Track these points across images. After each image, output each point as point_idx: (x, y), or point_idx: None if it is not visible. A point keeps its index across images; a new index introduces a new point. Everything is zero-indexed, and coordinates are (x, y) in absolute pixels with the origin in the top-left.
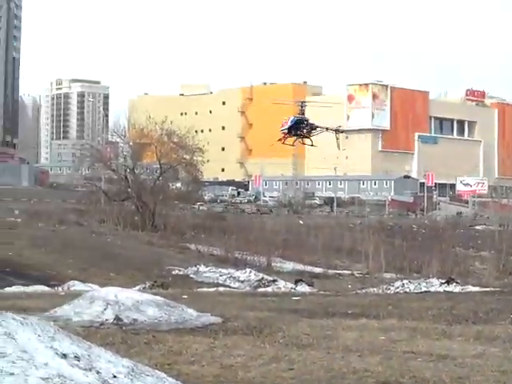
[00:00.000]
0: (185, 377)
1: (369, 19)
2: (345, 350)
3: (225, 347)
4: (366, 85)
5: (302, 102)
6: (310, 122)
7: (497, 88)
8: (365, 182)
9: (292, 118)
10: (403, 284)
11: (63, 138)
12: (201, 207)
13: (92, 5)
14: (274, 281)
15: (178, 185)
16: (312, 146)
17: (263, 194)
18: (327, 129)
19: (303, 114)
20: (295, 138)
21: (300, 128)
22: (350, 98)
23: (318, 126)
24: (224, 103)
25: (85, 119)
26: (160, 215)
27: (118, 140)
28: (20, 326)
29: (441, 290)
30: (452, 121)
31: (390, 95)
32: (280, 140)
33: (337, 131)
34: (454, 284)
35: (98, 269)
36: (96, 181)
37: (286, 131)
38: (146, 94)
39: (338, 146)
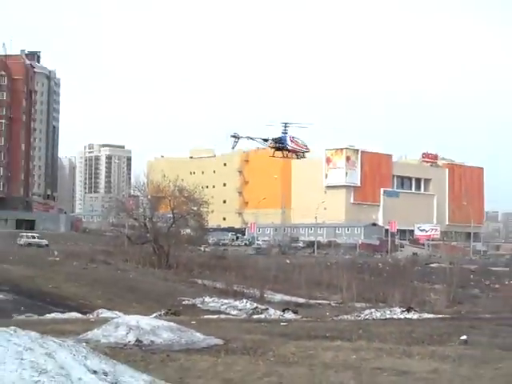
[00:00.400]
0: None
1: (342, 98)
2: (324, 366)
3: (226, 364)
4: (341, 149)
5: (286, 124)
6: (287, 140)
7: (448, 151)
8: (340, 229)
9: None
10: (371, 312)
11: (94, 192)
12: (206, 249)
13: (116, 85)
14: (266, 309)
15: (188, 231)
16: (296, 158)
17: (257, 238)
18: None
19: (285, 133)
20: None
21: (278, 143)
22: (328, 160)
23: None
24: (225, 164)
25: (111, 177)
26: (173, 256)
27: (139, 194)
28: (58, 347)
29: (402, 316)
30: (411, 178)
31: (360, 158)
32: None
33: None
34: (413, 312)
35: (122, 299)
36: (121, 227)
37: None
38: (161, 156)
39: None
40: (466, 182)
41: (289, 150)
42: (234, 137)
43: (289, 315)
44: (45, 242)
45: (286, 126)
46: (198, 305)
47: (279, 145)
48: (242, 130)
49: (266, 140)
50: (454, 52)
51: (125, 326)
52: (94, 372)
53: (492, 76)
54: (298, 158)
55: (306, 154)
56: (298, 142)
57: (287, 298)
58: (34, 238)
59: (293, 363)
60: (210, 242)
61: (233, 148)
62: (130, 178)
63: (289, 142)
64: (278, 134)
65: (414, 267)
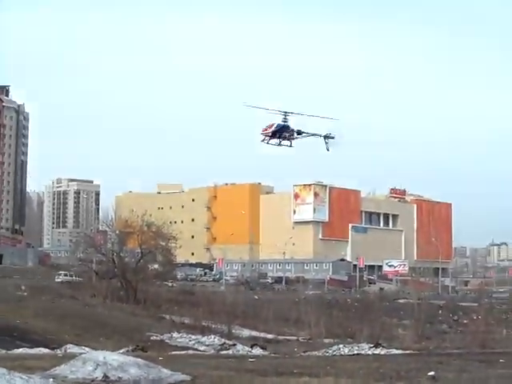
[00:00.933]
0: None
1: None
2: None
3: None
4: (309, 185)
5: (286, 113)
6: (293, 128)
7: (415, 186)
8: (308, 264)
9: (277, 123)
10: (339, 348)
11: (62, 226)
12: (173, 284)
13: (85, 120)
14: (234, 345)
15: (156, 266)
16: (290, 146)
17: (225, 273)
18: (313, 134)
19: (286, 121)
20: (278, 140)
21: (283, 132)
22: (296, 196)
23: (303, 132)
24: (193, 200)
25: (80, 212)
26: (141, 291)
27: (107, 229)
28: (25, 383)
29: (370, 352)
30: (379, 214)
31: (328, 193)
32: (263, 140)
33: (325, 137)
34: (381, 348)
35: (90, 334)
36: (89, 262)
37: (270, 134)
38: (130, 191)
39: (328, 149)
40: (434, 217)
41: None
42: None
43: (257, 351)
44: (80, 280)
45: (286, 115)
46: (166, 340)
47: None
48: (208, 169)
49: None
50: (420, 89)
51: (92, 361)
52: None
53: (458, 113)
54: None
55: (275, 189)
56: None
57: (255, 333)
58: (71, 276)
59: None
60: (178, 277)
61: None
62: (98, 213)
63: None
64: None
65: (383, 303)
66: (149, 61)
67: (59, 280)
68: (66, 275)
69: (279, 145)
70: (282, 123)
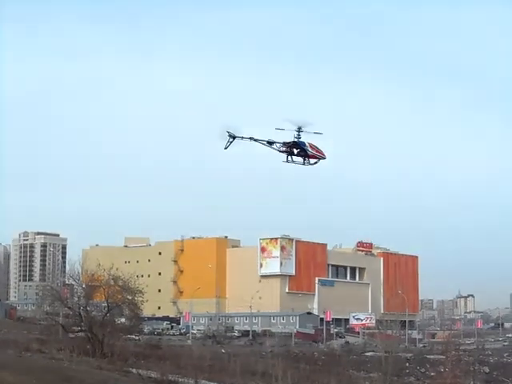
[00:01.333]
0: None
1: (276, 187)
2: None
3: None
4: (276, 239)
5: (299, 128)
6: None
7: (382, 239)
8: (275, 318)
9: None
10: None
11: (29, 280)
12: (139, 338)
13: (51, 173)
14: None
15: (123, 320)
16: (303, 164)
17: (192, 327)
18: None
19: (299, 138)
20: (292, 156)
21: (292, 148)
22: (263, 250)
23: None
24: (160, 253)
25: (46, 265)
26: (108, 344)
27: (74, 283)
28: None
29: None
30: (346, 267)
31: (295, 247)
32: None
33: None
34: None
35: None
36: (55, 316)
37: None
38: (96, 245)
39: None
40: (401, 270)
41: (308, 156)
42: (230, 136)
43: None
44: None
45: (299, 131)
46: None
47: (295, 149)
48: (175, 223)
49: (271, 143)
50: (384, 143)
51: None
52: None
53: (422, 166)
54: (312, 165)
55: (241, 243)
56: (317, 147)
57: None
58: (83, 331)
59: None
60: (144, 331)
61: (225, 148)
62: (64, 266)
63: (309, 148)
64: (283, 139)
65: (350, 356)
66: (111, 113)
67: (72, 336)
68: (77, 331)
69: (296, 162)
70: (295, 140)
